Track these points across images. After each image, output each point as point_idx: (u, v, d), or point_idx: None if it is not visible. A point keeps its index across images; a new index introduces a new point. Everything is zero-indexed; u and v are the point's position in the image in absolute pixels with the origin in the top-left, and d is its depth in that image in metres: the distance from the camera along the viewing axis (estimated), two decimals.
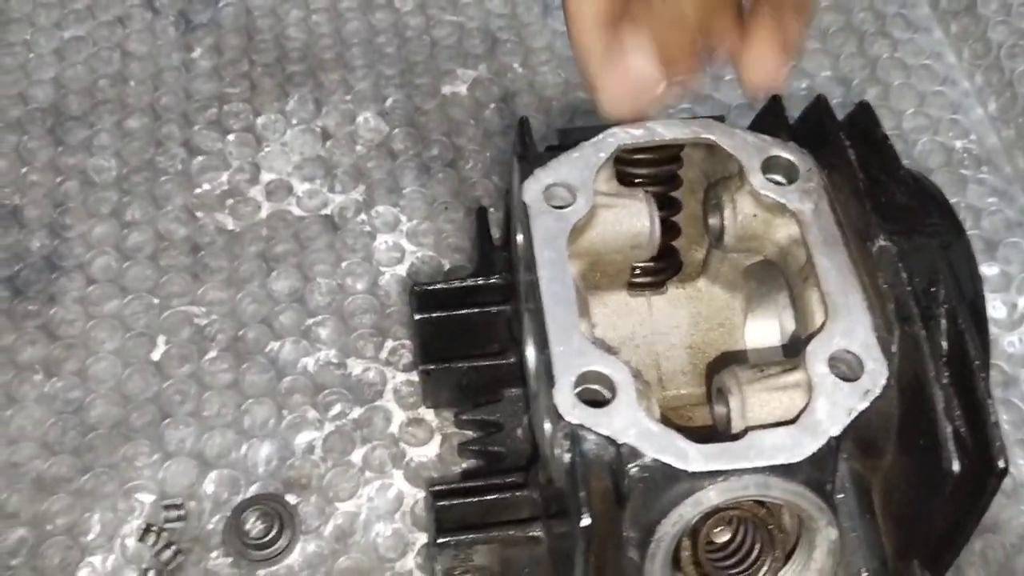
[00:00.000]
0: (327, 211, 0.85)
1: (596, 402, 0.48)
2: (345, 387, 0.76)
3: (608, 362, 0.49)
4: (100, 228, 0.83)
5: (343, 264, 0.82)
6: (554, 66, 0.92)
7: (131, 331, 0.78)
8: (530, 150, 0.58)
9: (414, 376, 0.76)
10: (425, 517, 0.69)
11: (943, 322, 0.48)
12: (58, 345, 0.77)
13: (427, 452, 0.73)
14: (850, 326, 0.49)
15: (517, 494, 0.60)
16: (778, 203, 0.53)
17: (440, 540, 0.59)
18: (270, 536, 0.68)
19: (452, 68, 0.92)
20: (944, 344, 0.48)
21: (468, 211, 0.84)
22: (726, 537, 0.51)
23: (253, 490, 0.71)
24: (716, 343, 0.62)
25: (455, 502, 0.60)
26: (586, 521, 0.46)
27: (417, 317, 0.66)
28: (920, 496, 0.50)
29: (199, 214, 0.84)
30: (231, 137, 0.88)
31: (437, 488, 0.62)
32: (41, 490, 0.71)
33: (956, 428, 0.47)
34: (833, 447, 0.47)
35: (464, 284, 0.67)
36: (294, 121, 0.89)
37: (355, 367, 0.77)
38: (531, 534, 0.59)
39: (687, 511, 0.46)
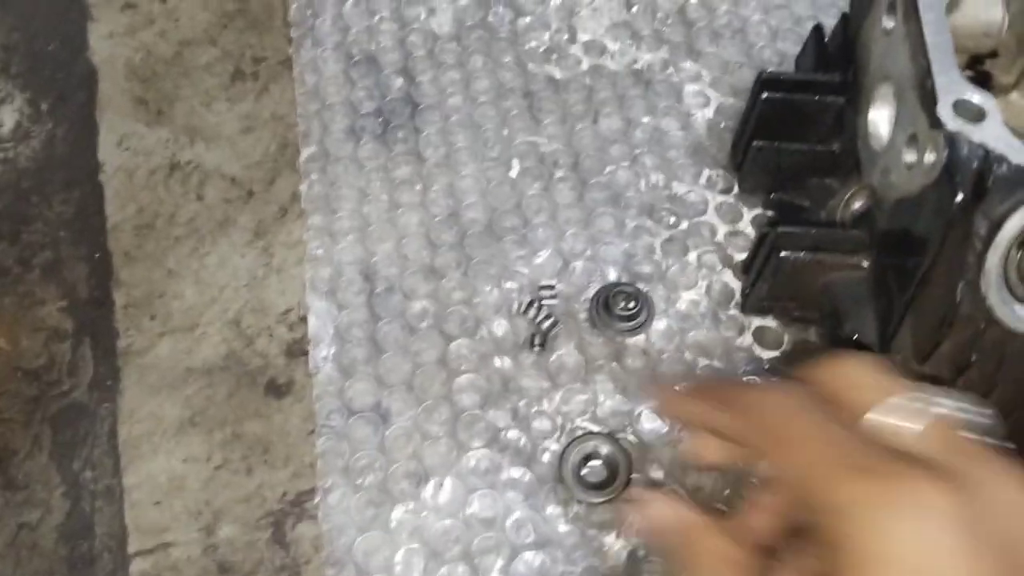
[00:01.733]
0: (637, 66, 1.03)
1: (968, 120, 0.66)
2: (672, 204, 0.94)
3: (981, 94, 0.67)
4: (448, 75, 1.02)
5: (657, 107, 1.00)
6: None
7: (488, 156, 0.97)
8: None
9: (730, 198, 0.94)
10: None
11: None
12: (427, 165, 0.96)
13: None
14: None
15: (848, 231, 0.79)
16: None
17: (783, 254, 0.78)
18: (633, 311, 0.87)
19: None
20: None
21: (759, 69, 1.02)
22: None
23: (610, 279, 0.90)
24: None
25: (795, 230, 0.79)
26: (960, 197, 0.64)
27: (763, 96, 0.84)
28: None
29: (530, 66, 1.03)
30: (550, 2, 1.06)
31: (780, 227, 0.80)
32: (432, 274, 0.90)
33: None
34: None
35: (805, 76, 0.85)
36: None
37: (679, 189, 0.95)
38: (857, 261, 0.78)
39: None
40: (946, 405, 0.55)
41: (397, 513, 0.78)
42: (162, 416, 0.83)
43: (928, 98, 0.68)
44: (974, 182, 0.65)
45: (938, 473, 0.47)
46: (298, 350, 0.86)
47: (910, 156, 0.70)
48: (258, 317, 0.88)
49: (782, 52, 1.03)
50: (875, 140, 0.78)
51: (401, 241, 0.91)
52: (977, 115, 0.67)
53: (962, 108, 0.67)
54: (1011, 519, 0.48)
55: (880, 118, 0.78)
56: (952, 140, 0.66)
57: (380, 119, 0.98)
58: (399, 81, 1.01)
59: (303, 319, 0.87)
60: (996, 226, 0.65)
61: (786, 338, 0.87)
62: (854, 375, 0.55)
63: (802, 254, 0.79)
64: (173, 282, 0.89)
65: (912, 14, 0.72)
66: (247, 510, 0.79)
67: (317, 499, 0.79)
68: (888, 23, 0.77)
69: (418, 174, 0.95)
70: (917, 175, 0.69)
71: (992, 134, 0.66)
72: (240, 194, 0.94)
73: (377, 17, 1.04)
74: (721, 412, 0.56)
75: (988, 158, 0.65)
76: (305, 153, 0.96)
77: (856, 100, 0.82)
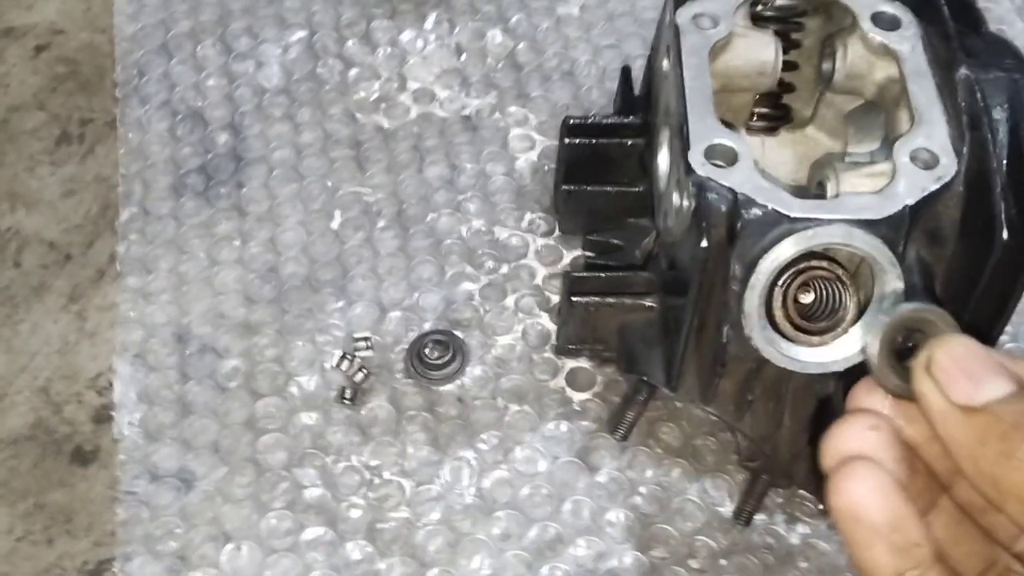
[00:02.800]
0: (466, 112, 1.03)
1: (721, 164, 0.65)
2: (494, 249, 0.93)
3: (732, 138, 0.66)
4: (275, 128, 1.01)
5: (483, 152, 0.99)
6: None
7: (311, 208, 0.96)
8: None
9: (551, 241, 0.94)
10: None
11: (1007, 128, 0.66)
12: (248, 219, 0.95)
13: None
14: (930, 131, 0.66)
15: (637, 273, 0.79)
16: (882, 44, 0.71)
17: (574, 299, 0.78)
18: (445, 360, 0.86)
19: None
20: (1006, 143, 0.65)
21: (586, 111, 1.02)
22: (810, 298, 0.67)
23: (426, 327, 0.89)
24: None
25: (587, 275, 0.79)
26: (705, 243, 0.63)
27: (566, 141, 0.84)
28: (973, 271, 0.65)
29: (358, 116, 1.02)
30: (379, 51, 1.06)
31: (573, 272, 0.80)
32: (247, 331, 0.89)
33: (1008, 210, 0.64)
34: (907, 215, 0.63)
35: (608, 120, 0.85)
36: (432, 38, 1.07)
37: (501, 233, 0.94)
38: (646, 303, 0.77)
39: (786, 249, 0.63)
40: None
41: None
42: None
43: (684, 143, 0.68)
44: (726, 226, 0.65)
45: None
46: (106, 416, 0.84)
47: (676, 200, 0.70)
48: (68, 384, 0.86)
49: (611, 92, 1.02)
50: (660, 183, 0.78)
51: (217, 299, 0.90)
52: (730, 159, 0.66)
53: (714, 152, 0.67)
54: None
55: (663, 161, 0.77)
56: (701, 185, 0.65)
57: (203, 175, 0.97)
58: (224, 136, 1.00)
59: (114, 384, 0.85)
60: (750, 268, 0.65)
61: (598, 379, 0.86)
62: None
63: (593, 298, 0.78)
64: None
65: (678, 57, 0.72)
66: None
67: (116, 568, 0.77)
68: (665, 66, 0.77)
69: (239, 230, 0.94)
70: (681, 219, 0.69)
71: (741, 178, 0.65)
72: (58, 259, 0.93)
73: (204, 73, 1.04)
74: None
75: (737, 202, 0.65)
76: (125, 214, 0.95)
77: (652, 143, 0.82)
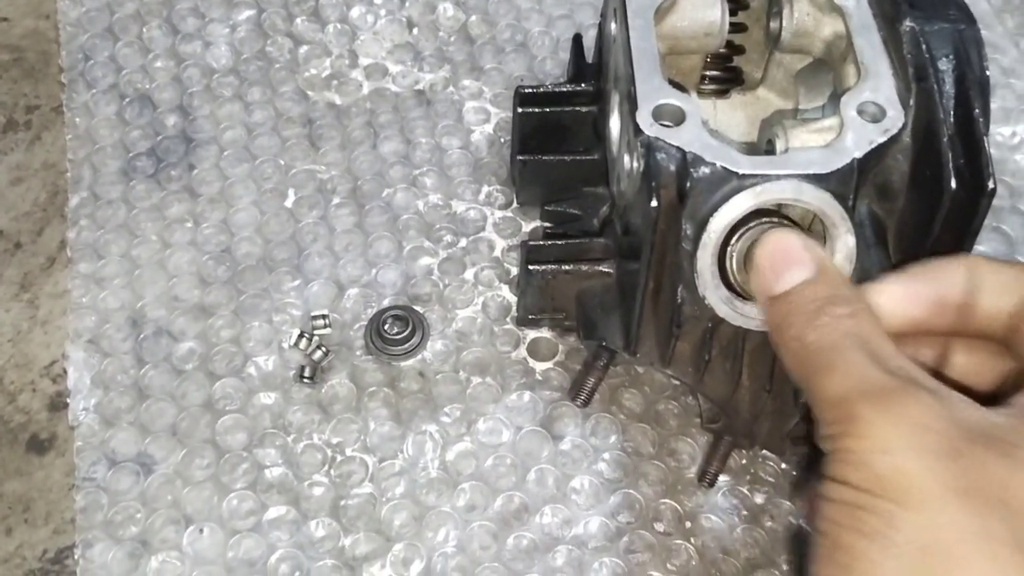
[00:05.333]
0: (420, 87, 1.04)
1: (668, 124, 0.67)
2: (451, 223, 0.95)
3: (680, 97, 0.68)
4: (225, 108, 1.02)
5: (438, 127, 1.01)
6: None
7: (264, 188, 0.97)
8: None
9: (510, 213, 0.95)
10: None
11: (953, 78, 0.68)
12: (201, 201, 0.96)
13: None
14: (877, 84, 0.68)
15: (593, 240, 0.80)
16: (828, 0, 0.73)
17: (531, 268, 0.79)
18: (405, 334, 0.87)
19: None
20: (952, 94, 0.67)
21: (540, 82, 1.03)
22: None
23: (385, 303, 0.90)
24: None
25: (544, 243, 0.81)
26: (655, 203, 0.65)
27: (519, 111, 0.85)
28: (924, 222, 0.67)
29: (310, 93, 1.03)
30: (329, 28, 1.07)
31: (530, 241, 0.82)
32: (202, 313, 0.90)
33: (956, 159, 0.66)
34: (855, 168, 0.64)
35: (560, 88, 0.86)
36: (383, 13, 1.08)
37: (459, 207, 0.96)
38: (603, 269, 0.79)
39: (735, 206, 0.65)
40: None
41: (155, 564, 0.78)
42: None
43: (632, 105, 0.69)
44: (676, 185, 0.66)
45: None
46: (61, 403, 0.85)
47: (627, 163, 0.72)
48: (21, 372, 0.87)
49: (565, 63, 1.04)
50: (612, 148, 0.80)
51: (171, 282, 0.91)
52: (678, 119, 0.68)
53: (662, 112, 0.68)
54: None
55: (614, 126, 0.79)
56: (649, 146, 0.67)
57: (153, 158, 0.98)
58: (173, 118, 1.01)
59: (67, 371, 0.86)
60: (701, 227, 0.67)
61: (560, 348, 0.87)
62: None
63: (550, 266, 0.80)
64: None
65: (624, 20, 0.74)
66: (6, 571, 0.79)
67: (77, 555, 0.78)
68: (614, 29, 0.78)
69: (191, 212, 0.95)
70: (632, 181, 0.70)
71: (690, 136, 0.67)
72: (7, 247, 0.94)
73: (151, 55, 1.04)
74: None
75: (686, 161, 0.66)
76: (74, 199, 0.95)
77: (604, 109, 0.83)
